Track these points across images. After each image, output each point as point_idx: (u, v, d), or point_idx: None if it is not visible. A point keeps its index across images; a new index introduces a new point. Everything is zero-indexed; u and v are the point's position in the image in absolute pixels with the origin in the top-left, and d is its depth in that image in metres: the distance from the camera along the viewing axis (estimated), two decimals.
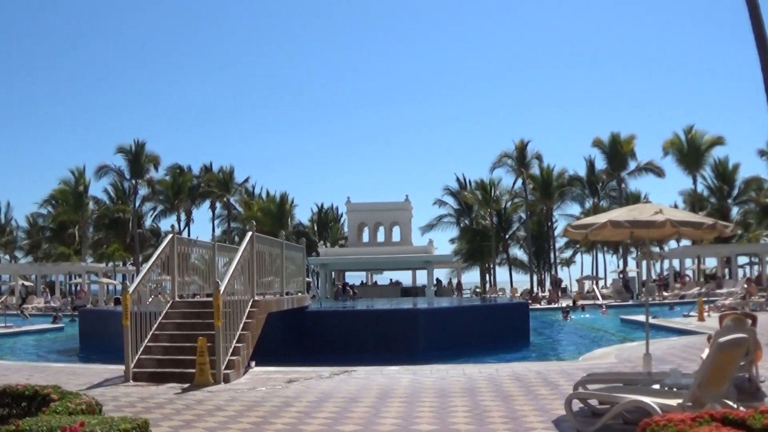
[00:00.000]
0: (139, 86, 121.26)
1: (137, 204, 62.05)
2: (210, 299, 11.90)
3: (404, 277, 54.16)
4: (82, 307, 36.08)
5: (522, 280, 61.56)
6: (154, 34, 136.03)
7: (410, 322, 18.70)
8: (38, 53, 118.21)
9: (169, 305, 13.52)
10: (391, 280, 53.59)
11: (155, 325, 12.67)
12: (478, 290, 57.75)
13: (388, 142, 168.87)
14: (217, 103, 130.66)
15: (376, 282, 55.00)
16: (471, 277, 64.77)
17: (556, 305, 37.91)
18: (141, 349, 11.94)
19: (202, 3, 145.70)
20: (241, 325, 12.32)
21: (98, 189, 63.57)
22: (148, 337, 12.30)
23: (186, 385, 10.64)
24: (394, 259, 44.45)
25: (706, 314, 22.82)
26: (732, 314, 8.56)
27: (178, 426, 7.69)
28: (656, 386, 7.39)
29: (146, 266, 13.43)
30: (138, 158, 58.90)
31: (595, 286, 47.66)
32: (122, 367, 11.50)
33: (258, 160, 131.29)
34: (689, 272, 50.18)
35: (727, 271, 47.59)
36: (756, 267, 51.18)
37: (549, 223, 61.07)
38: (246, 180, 66.99)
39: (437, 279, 50.63)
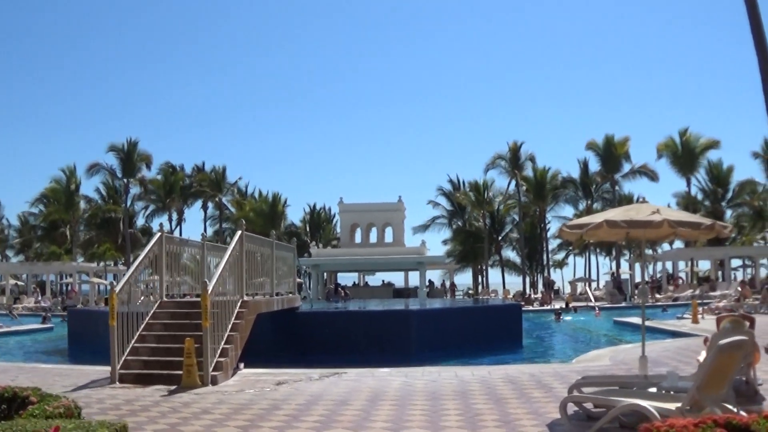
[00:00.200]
0: (132, 86, 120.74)
1: (129, 203, 61.75)
2: (199, 299, 11.70)
3: (397, 279, 53.99)
4: (72, 307, 35.78)
5: (515, 282, 61.52)
6: (147, 35, 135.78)
7: (402, 323, 18.57)
8: (32, 53, 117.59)
9: (157, 305, 13.32)
10: (383, 281, 53.37)
11: (142, 326, 12.45)
12: (470, 292, 57.65)
13: (382, 143, 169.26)
14: (210, 103, 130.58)
15: (367, 283, 54.75)
16: (464, 279, 64.78)
17: (548, 307, 37.86)
18: (128, 350, 11.72)
19: (197, 4, 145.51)
20: (230, 326, 12.13)
21: (90, 188, 63.44)
22: (135, 337, 12.09)
23: (173, 387, 10.44)
24: (387, 260, 44.20)
25: (700, 317, 22.81)
26: (730, 316, 8.40)
27: (162, 429, 7.50)
28: (653, 389, 7.26)
29: (134, 265, 13.22)
30: (130, 157, 58.46)
31: (588, 288, 47.59)
32: (110, 368, 11.29)
33: (250, 160, 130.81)
34: (682, 274, 50.20)
35: (720, 273, 47.61)
36: (749, 270, 51.21)
37: (542, 225, 61.08)
38: (238, 180, 66.88)
39: (429, 280, 50.49)
